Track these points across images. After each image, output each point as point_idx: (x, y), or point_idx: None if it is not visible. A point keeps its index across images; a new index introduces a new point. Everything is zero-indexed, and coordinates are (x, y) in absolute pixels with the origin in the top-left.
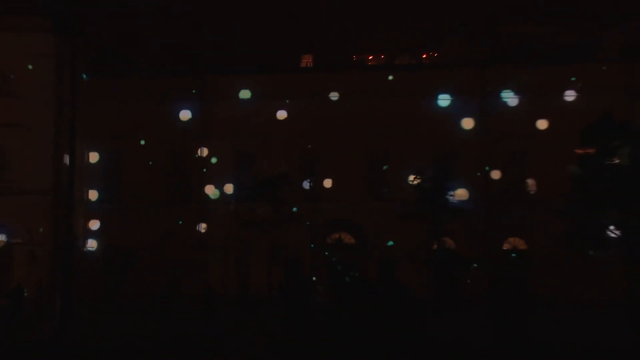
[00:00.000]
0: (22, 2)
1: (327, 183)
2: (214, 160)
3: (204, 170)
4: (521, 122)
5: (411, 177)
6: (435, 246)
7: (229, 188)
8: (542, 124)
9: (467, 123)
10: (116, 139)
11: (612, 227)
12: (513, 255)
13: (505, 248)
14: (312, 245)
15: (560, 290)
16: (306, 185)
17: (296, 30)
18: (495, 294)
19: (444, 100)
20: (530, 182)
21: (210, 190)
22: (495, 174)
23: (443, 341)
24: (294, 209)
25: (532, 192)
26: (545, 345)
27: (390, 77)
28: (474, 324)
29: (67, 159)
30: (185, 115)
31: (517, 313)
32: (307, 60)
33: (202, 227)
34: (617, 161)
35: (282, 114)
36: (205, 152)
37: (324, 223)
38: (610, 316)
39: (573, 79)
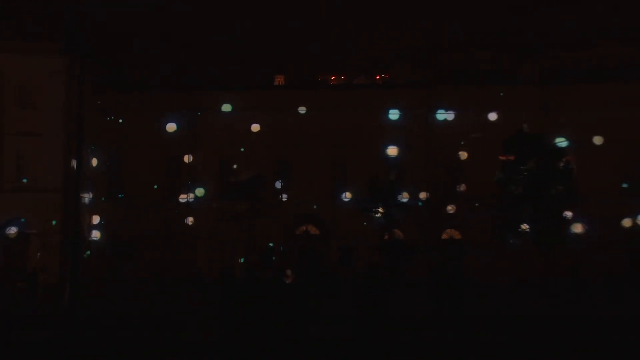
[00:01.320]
0: (38, 29)
1: (284, 197)
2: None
3: (192, 172)
4: (458, 134)
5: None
6: (386, 236)
7: (213, 187)
8: (474, 135)
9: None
10: (118, 145)
11: (527, 221)
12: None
13: (443, 238)
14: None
15: (488, 272)
16: (278, 185)
17: (270, 53)
18: (435, 275)
19: (394, 114)
20: (464, 183)
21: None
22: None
23: (392, 313)
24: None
25: (465, 192)
26: (474, 315)
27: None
28: (418, 300)
29: (75, 162)
30: (177, 125)
31: (453, 291)
32: (279, 79)
33: (190, 220)
34: (530, 167)
35: (255, 127)
36: (191, 157)
37: (293, 217)
38: (525, 292)
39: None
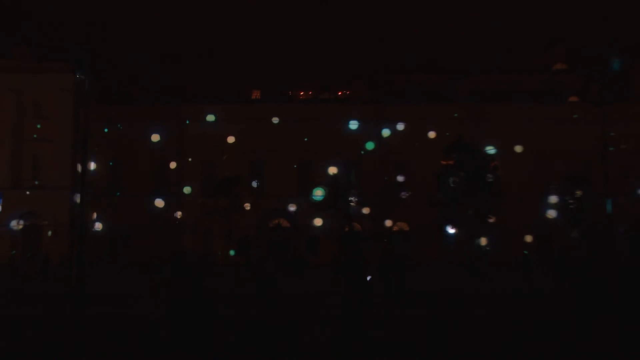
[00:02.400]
0: (52, 52)
1: (247, 206)
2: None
3: (181, 173)
4: (407, 142)
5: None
6: (346, 228)
7: (198, 186)
8: (421, 143)
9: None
10: (118, 149)
11: (462, 214)
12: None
13: (394, 229)
14: None
15: (430, 257)
16: (254, 184)
17: (248, 72)
18: (387, 261)
19: (352, 125)
20: (411, 183)
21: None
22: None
23: (351, 293)
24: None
25: (412, 191)
26: (417, 292)
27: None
28: (372, 282)
29: (81, 164)
30: (167, 132)
31: (401, 273)
32: (255, 94)
33: (178, 214)
34: (464, 170)
35: (231, 138)
36: (179, 161)
37: (267, 212)
38: (459, 272)
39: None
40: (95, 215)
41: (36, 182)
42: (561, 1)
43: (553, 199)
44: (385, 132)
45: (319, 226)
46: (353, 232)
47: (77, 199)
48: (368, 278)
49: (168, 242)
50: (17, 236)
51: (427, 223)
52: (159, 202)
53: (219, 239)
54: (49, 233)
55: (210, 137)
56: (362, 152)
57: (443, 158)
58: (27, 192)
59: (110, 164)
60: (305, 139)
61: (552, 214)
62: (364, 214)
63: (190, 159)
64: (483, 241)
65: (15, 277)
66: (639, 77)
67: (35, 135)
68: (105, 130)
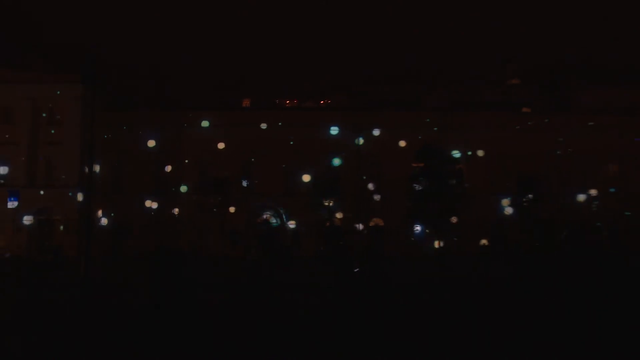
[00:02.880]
0: (62, 65)
1: (231, 209)
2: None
3: (177, 173)
4: (382, 146)
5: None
6: (327, 223)
7: (193, 185)
8: (394, 148)
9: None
10: (121, 152)
11: (430, 211)
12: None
13: (371, 224)
14: None
15: (402, 249)
16: (244, 184)
17: (238, 82)
18: (370, 254)
19: (333, 131)
20: (385, 183)
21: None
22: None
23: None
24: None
25: (386, 190)
26: (389, 282)
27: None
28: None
29: (88, 165)
30: (166, 136)
31: (376, 264)
32: (246, 102)
33: (175, 211)
34: (432, 172)
35: (221, 145)
36: (176, 162)
37: (256, 208)
38: (428, 263)
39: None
40: (100, 211)
41: (52, 181)
42: (514, 23)
43: (506, 200)
44: (360, 141)
45: (303, 221)
46: (334, 227)
47: (83, 196)
48: (355, 270)
49: (166, 237)
50: (32, 230)
51: (399, 220)
52: (149, 203)
53: (213, 233)
54: (61, 227)
55: (205, 141)
56: (337, 160)
57: (414, 161)
58: (41, 192)
59: (115, 165)
60: (291, 143)
61: (508, 211)
62: (343, 211)
63: (186, 161)
64: (446, 237)
65: (31, 267)
66: (580, 91)
67: (51, 139)
68: (109, 135)
